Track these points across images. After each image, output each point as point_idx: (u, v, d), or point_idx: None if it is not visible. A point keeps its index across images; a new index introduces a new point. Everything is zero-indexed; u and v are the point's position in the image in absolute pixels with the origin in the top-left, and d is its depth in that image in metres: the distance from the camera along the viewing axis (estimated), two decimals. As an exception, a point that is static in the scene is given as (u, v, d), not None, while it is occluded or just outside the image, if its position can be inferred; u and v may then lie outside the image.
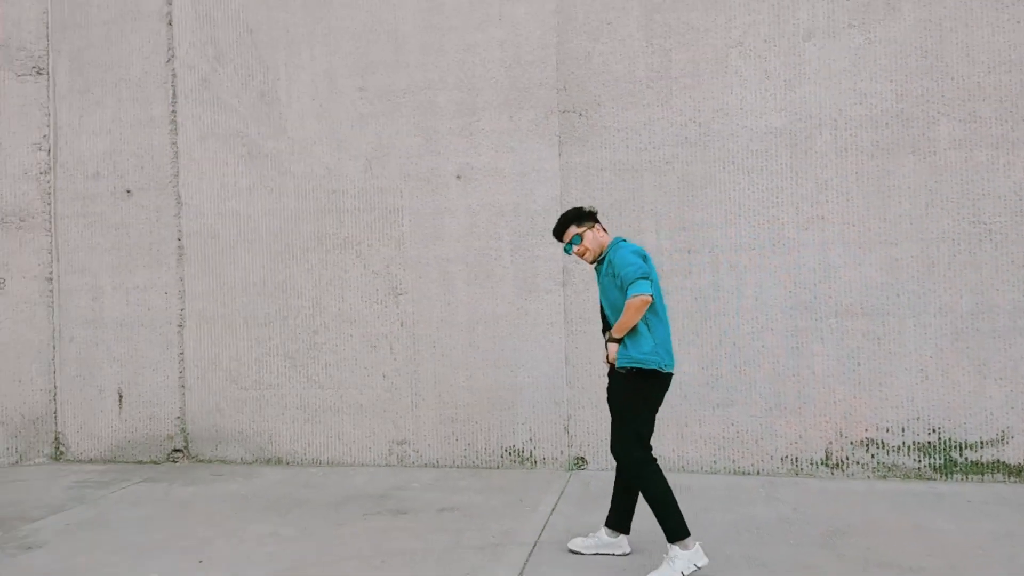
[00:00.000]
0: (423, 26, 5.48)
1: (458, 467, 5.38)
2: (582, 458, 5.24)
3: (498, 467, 5.34)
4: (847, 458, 4.87)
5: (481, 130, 5.39)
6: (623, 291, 3.34)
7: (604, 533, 3.59)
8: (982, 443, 4.70)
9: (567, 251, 3.57)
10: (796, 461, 4.94)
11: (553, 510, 4.34)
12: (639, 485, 3.34)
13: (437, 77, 5.45)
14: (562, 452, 5.27)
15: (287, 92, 5.69)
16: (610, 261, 3.44)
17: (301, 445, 5.63)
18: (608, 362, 3.45)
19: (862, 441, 4.85)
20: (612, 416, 3.45)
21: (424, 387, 5.45)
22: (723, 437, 5.04)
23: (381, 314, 5.52)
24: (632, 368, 3.33)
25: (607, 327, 3.54)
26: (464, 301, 5.41)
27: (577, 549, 3.59)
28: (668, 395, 4.98)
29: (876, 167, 4.82)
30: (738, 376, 5.03)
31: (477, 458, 5.38)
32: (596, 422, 5.21)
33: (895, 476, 4.81)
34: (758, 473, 4.99)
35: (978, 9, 4.74)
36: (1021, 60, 4.67)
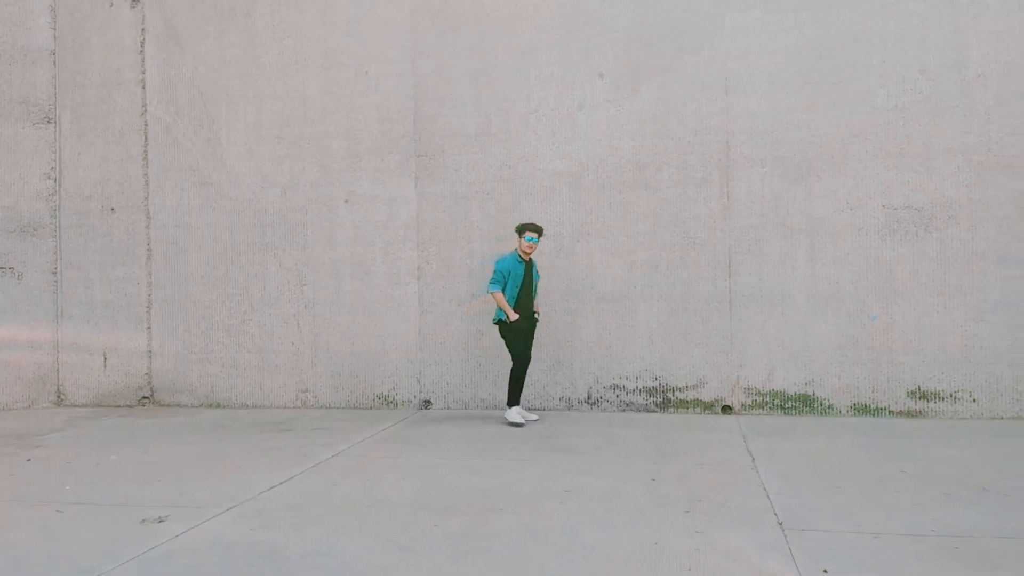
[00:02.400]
0: (323, 93, 7.67)
1: (343, 408, 7.56)
2: (428, 400, 7.41)
3: (371, 408, 7.52)
4: (601, 398, 7.04)
5: (362, 168, 7.57)
6: (537, 283, 6.65)
7: (518, 411, 6.57)
8: (687, 387, 6.87)
9: (535, 240, 6.35)
10: (569, 400, 7.12)
11: (388, 428, 6.52)
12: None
13: (332, 129, 7.64)
14: (415, 396, 7.45)
15: (227, 138, 7.87)
16: (536, 267, 6.64)
17: (234, 394, 7.80)
18: (536, 315, 6.59)
19: (611, 386, 7.02)
20: (531, 343, 6.56)
21: (320, 351, 7.62)
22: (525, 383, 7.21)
23: (291, 299, 7.70)
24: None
25: (529, 301, 6.42)
26: (349, 290, 7.59)
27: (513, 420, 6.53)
28: (485, 355, 7.17)
29: (623, 199, 7.00)
30: (534, 342, 7.19)
31: (357, 402, 7.56)
32: (439, 376, 7.38)
33: (632, 409, 6.98)
34: (544, 409, 7.16)
35: (690, 91, 6.91)
36: (716, 126, 6.85)
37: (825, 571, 3.15)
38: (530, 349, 6.54)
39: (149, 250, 8.01)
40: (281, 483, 4.72)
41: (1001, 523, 3.73)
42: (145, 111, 8.05)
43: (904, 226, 6.51)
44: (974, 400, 6.37)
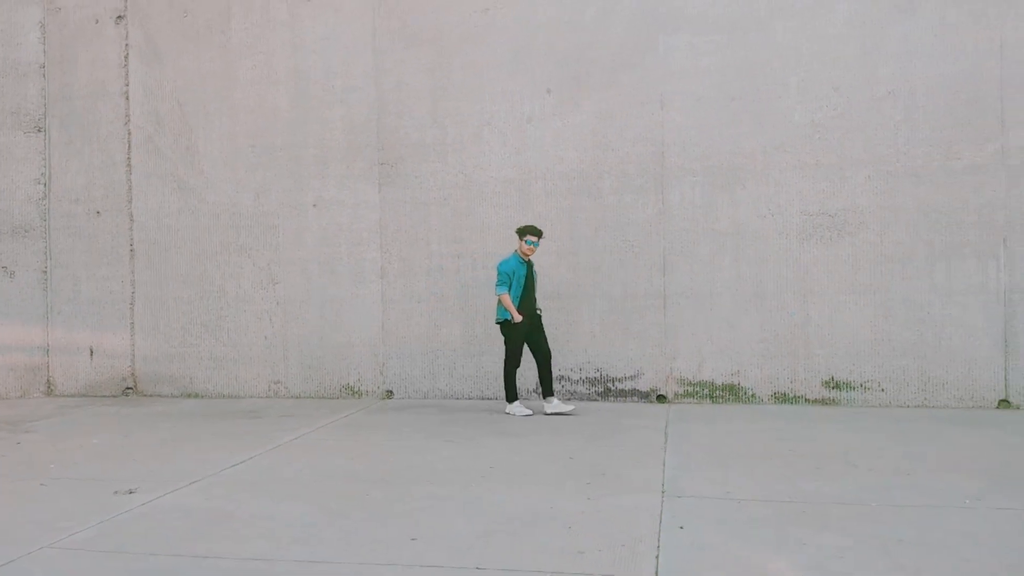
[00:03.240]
0: (294, 105, 8.25)
1: (311, 398, 8.17)
2: (391, 391, 8.02)
3: (337, 397, 8.13)
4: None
5: (330, 174, 8.16)
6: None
7: (559, 402, 6.99)
8: (625, 378, 7.49)
9: (535, 244, 6.75)
10: (519, 390, 7.73)
11: (349, 415, 7.13)
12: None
13: (301, 139, 8.23)
14: (378, 387, 8.06)
15: (204, 146, 8.46)
16: (536, 269, 7.24)
17: (211, 385, 8.41)
18: (539, 310, 7.02)
19: (557, 377, 7.63)
20: (544, 340, 6.96)
21: (291, 345, 8.23)
22: (477, 376, 7.83)
23: (264, 296, 8.30)
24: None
25: (533, 301, 6.84)
26: (318, 288, 8.19)
27: (550, 411, 6.93)
28: (443, 348, 7.79)
29: (568, 205, 7.60)
30: (487, 337, 7.80)
31: (325, 392, 8.16)
32: (401, 368, 7.99)
33: (576, 399, 7.60)
34: (497, 399, 7.77)
35: (628, 107, 7.51)
36: (651, 138, 7.45)
37: (681, 527, 3.76)
38: (545, 342, 6.92)
39: (132, 251, 8.60)
40: (242, 462, 5.33)
41: (849, 492, 4.35)
42: (128, 121, 8.62)
43: (819, 231, 7.12)
44: (883, 390, 6.99)
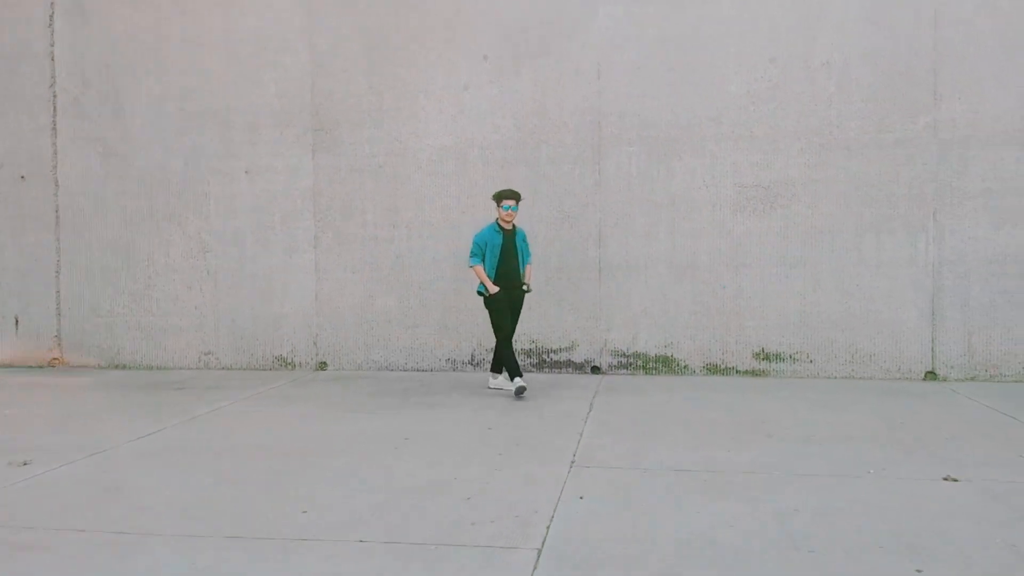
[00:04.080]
0: (225, 67, 7.98)
1: (243, 369, 8.01)
2: (324, 362, 7.90)
3: (270, 369, 7.98)
4: (484, 359, 7.60)
5: (262, 140, 7.93)
6: (526, 254, 6.45)
7: (504, 379, 6.64)
8: (560, 349, 7.46)
9: (513, 208, 6.21)
10: (454, 362, 7.66)
11: (278, 386, 7.00)
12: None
13: (233, 103, 7.97)
14: (312, 358, 7.92)
15: (131, 109, 8.15)
16: (524, 236, 6.48)
17: (139, 355, 8.20)
18: (526, 286, 6.42)
19: (492, 348, 7.56)
20: (518, 317, 6.51)
21: (223, 316, 8.04)
22: (411, 348, 7.73)
23: (194, 266, 8.08)
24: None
25: (514, 272, 6.28)
26: (250, 257, 7.99)
27: (493, 386, 6.66)
28: (378, 319, 7.66)
29: (504, 175, 7.49)
30: (422, 308, 7.70)
31: (257, 363, 8.01)
32: (336, 339, 7.86)
33: (510, 371, 7.55)
34: (431, 370, 7.69)
35: (566, 75, 7.38)
36: (589, 107, 7.35)
37: (581, 497, 3.73)
38: (515, 323, 6.44)
39: (58, 217, 8.30)
40: (151, 433, 5.18)
41: (758, 462, 4.36)
42: (54, 83, 8.27)
43: (753, 203, 7.11)
44: (811, 361, 7.05)
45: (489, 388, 6.67)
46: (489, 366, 6.76)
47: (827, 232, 7.01)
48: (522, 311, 6.78)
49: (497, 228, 6.31)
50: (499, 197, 6.28)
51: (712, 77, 7.16)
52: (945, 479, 3.99)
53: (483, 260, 6.23)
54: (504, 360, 6.35)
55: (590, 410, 5.77)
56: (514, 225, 6.38)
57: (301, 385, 7.05)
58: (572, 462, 4.37)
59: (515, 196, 6.29)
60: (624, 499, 3.71)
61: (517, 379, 6.27)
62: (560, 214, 7.41)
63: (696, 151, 7.19)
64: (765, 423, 5.30)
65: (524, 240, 6.47)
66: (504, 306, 6.28)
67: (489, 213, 7.48)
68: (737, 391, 6.47)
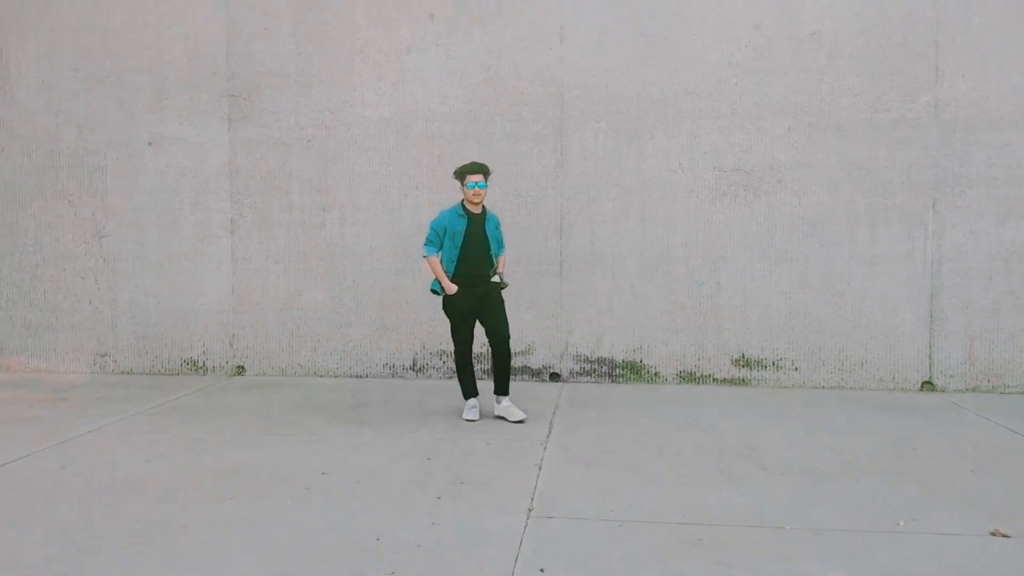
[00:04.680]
0: (126, 23, 6.81)
1: (146, 374, 6.89)
2: (242, 366, 6.83)
3: (178, 374, 6.88)
4: (427, 364, 6.64)
5: (169, 107, 6.80)
6: (499, 244, 5.06)
7: (508, 404, 5.14)
8: (515, 354, 6.54)
9: (480, 185, 4.84)
10: (393, 367, 6.68)
11: (181, 397, 5.92)
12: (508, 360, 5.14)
13: (135, 63, 6.81)
14: (227, 362, 6.85)
15: (17, 70, 6.92)
16: (497, 223, 5.09)
17: (24, 356, 7.01)
18: (499, 280, 4.96)
19: (438, 352, 6.61)
20: (501, 319, 4.99)
21: (122, 311, 6.91)
22: (344, 350, 6.73)
23: (88, 252, 6.92)
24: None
25: (482, 266, 4.89)
26: (155, 244, 6.86)
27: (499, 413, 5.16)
28: (305, 317, 6.65)
29: (452, 152, 6.51)
30: (356, 305, 6.70)
31: (163, 367, 6.90)
32: (256, 339, 6.80)
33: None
34: (367, 376, 6.70)
35: (524, 39, 6.43)
36: (550, 77, 6.41)
37: (542, 570, 2.82)
38: (503, 323, 5.00)
39: (-76, 194, 7.03)
40: (2, 465, 4.11)
41: (758, 507, 3.52)
42: (-82, 33, 6.98)
43: (734, 189, 6.28)
44: (796, 369, 6.28)
45: (495, 416, 5.19)
46: (495, 388, 5.26)
47: (816, 223, 6.22)
48: (495, 309, 5.06)
49: (461, 211, 4.95)
50: (462, 173, 4.96)
51: (689, 45, 6.28)
52: (993, 534, 3.20)
53: (440, 251, 4.98)
54: (460, 378, 5.19)
55: (549, 431, 4.86)
56: (484, 208, 5.05)
57: (210, 395, 6.00)
58: (530, 509, 3.46)
59: (482, 170, 4.95)
60: (597, 572, 2.82)
61: (470, 401, 5.19)
62: (516, 199, 6.48)
63: (671, 129, 6.32)
64: (755, 449, 4.47)
65: (497, 228, 5.09)
66: (466, 308, 4.96)
67: (437, 195, 6.51)
68: (717, 405, 5.65)
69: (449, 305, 4.99)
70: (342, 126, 6.64)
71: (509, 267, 6.35)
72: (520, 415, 5.09)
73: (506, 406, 5.14)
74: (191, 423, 5.08)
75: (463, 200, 5.00)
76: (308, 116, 6.68)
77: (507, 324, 5.06)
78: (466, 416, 5.14)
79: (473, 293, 4.95)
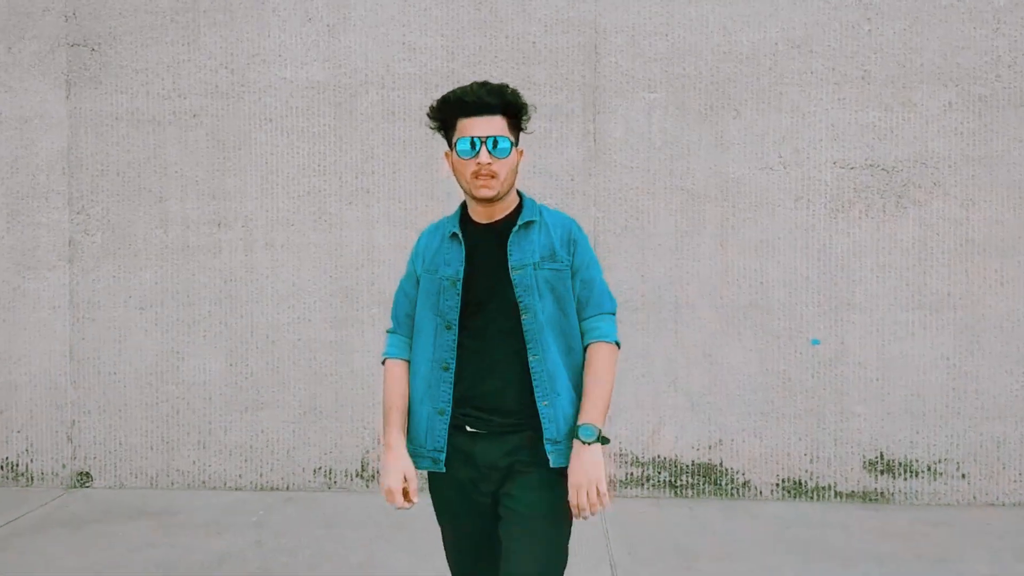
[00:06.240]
0: (-102, -76, 4.27)
1: (-72, 486, 4.30)
2: (87, 473, 4.30)
3: (-18, 485, 4.31)
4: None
5: (-30, 62, 4.27)
6: (583, 305, 1.97)
7: None
8: (523, 453, 4.18)
9: (494, 148, 1.88)
10: (330, 475, 4.24)
11: (-49, 550, 3.38)
12: None
13: (-87, -9, 4.27)
14: (64, 466, 4.31)
15: None
16: (573, 239, 1.98)
17: None
18: (588, 436, 1.84)
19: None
20: (537, 546, 1.87)
21: None
22: (251, 447, 4.26)
23: None
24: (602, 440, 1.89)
25: (514, 366, 1.91)
26: (-55, 278, 4.30)
27: None
28: (189, 395, 4.19)
29: (426, 136, 4.15)
30: (271, 375, 4.25)
31: (-42, 474, 4.33)
32: (104, 429, 4.28)
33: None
34: (288, 489, 4.25)
35: (539, -42, 4.14)
36: (575, 21, 4.12)
37: None
38: (527, 560, 1.82)
39: None
40: None
41: None
42: None
43: (866, 196, 4.06)
44: (963, 476, 4.06)
45: None
46: None
47: (994, 250, 4.04)
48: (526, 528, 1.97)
49: (456, 224, 2.03)
50: (446, 114, 1.97)
51: (798, -28, 4.08)
52: None
53: (404, 338, 2.06)
54: None
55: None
56: (522, 204, 2.02)
57: (20, 536, 3.46)
58: None
59: (493, 100, 1.92)
60: None
61: None
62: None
63: (764, 102, 4.08)
64: None
65: (573, 250, 1.98)
66: (464, 515, 1.97)
67: (401, 204, 4.15)
68: (847, 543, 3.39)
69: (434, 501, 2.01)
70: (248, 93, 4.22)
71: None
72: None
73: None
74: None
75: (463, 202, 2.08)
76: (193, 77, 4.23)
77: (542, 564, 1.84)
78: None
79: (480, 476, 1.92)
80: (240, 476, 4.26)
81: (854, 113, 4.05)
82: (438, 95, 2.11)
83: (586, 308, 1.98)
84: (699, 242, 4.12)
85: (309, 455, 4.25)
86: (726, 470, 4.13)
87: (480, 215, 2.00)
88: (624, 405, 4.12)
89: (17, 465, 4.32)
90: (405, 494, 1.88)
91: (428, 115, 2.02)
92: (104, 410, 4.28)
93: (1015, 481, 4.05)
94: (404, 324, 2.05)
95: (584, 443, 1.81)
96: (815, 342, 4.08)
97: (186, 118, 4.24)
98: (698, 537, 3.55)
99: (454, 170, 1.97)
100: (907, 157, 4.04)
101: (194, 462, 4.26)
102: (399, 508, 1.88)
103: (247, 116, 4.23)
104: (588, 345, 1.95)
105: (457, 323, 1.94)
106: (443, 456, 1.91)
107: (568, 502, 1.83)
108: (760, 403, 4.10)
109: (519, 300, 1.91)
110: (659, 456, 4.14)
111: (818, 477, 4.10)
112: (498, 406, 1.89)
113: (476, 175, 1.91)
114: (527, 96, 2.18)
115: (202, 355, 4.25)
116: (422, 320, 2.00)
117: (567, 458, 1.85)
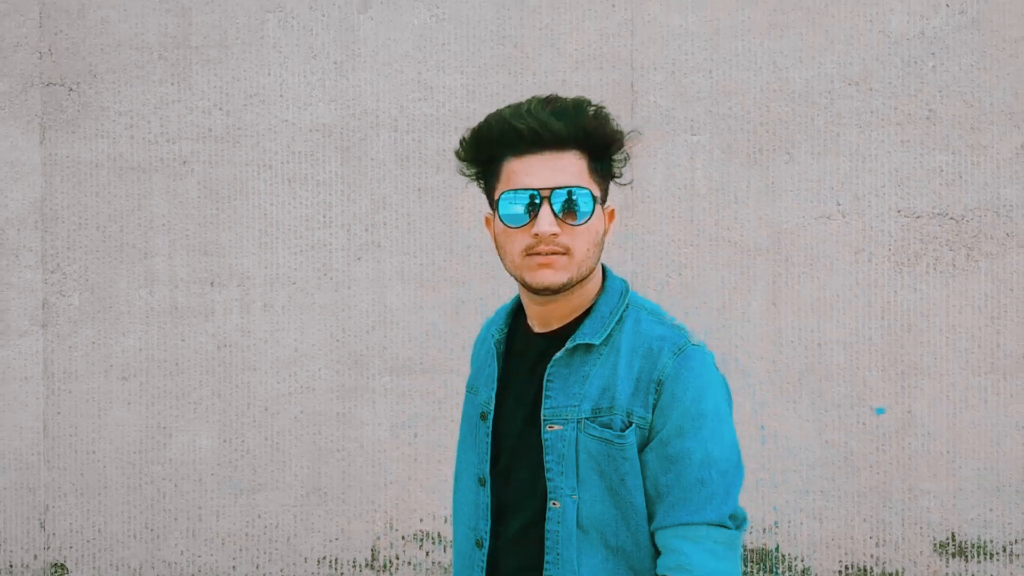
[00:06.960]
0: None
1: None
2: (62, 565, 3.81)
3: (-60, 580, 3.81)
4: (397, 557, 3.76)
5: (-69, 104, 3.82)
6: (652, 500, 1.25)
7: None
8: (555, 538, 3.74)
9: (524, 217, 1.28)
10: (336, 564, 3.78)
11: None
12: None
13: None
14: (36, 557, 3.82)
15: None
16: (661, 380, 1.28)
17: None
18: None
19: (415, 535, 3.75)
20: None
21: None
22: (247, 534, 3.79)
23: None
24: None
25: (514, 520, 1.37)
26: (-99, 345, 3.83)
27: None
28: (176, 476, 3.75)
29: (442, 183, 3.74)
30: (270, 452, 3.79)
31: (-86, 567, 3.82)
32: (81, 515, 3.80)
33: (452, 582, 3.76)
34: (290, 580, 3.79)
35: (568, -12, 3.76)
36: (608, 56, 3.74)
37: None
38: None
39: None
40: None
41: None
42: None
43: (931, 247, 3.68)
44: (1046, 558, 3.67)
45: None
46: None
47: (1074, 307, 3.67)
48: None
49: (509, 313, 1.49)
50: (485, 151, 1.35)
51: (855, 2, 3.71)
52: None
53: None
54: None
55: None
56: (604, 283, 1.50)
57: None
58: None
59: (558, 134, 1.30)
60: None
61: None
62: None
63: (821, 145, 3.70)
64: None
65: (653, 393, 1.26)
66: None
67: (415, 259, 3.73)
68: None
69: None
70: (245, 137, 3.79)
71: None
72: None
73: None
74: None
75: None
76: (184, 120, 3.80)
77: None
78: None
79: None
80: (234, 568, 3.78)
81: (919, 156, 3.67)
82: (455, 142, 1.49)
83: (658, 506, 1.17)
84: (749, 300, 3.72)
85: (312, 543, 3.78)
86: (783, 556, 3.70)
87: (534, 315, 1.35)
88: (667, 482, 3.70)
89: (-18, 556, 3.83)
90: None
91: (457, 155, 1.38)
92: (81, 493, 3.80)
93: (1105, 565, 3.65)
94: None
95: None
96: (879, 411, 3.67)
97: (175, 165, 3.80)
98: (764, 644, 3.12)
99: (497, 244, 1.34)
100: (977, 205, 3.67)
101: (182, 552, 3.79)
102: None
103: (243, 162, 3.80)
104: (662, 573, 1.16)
105: (489, 478, 1.35)
106: None
107: None
108: (819, 480, 3.68)
109: (548, 478, 1.22)
110: (708, 540, 3.72)
111: (884, 563, 3.68)
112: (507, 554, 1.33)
113: (531, 251, 1.24)
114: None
115: (192, 430, 3.78)
116: (462, 457, 1.48)
117: None
